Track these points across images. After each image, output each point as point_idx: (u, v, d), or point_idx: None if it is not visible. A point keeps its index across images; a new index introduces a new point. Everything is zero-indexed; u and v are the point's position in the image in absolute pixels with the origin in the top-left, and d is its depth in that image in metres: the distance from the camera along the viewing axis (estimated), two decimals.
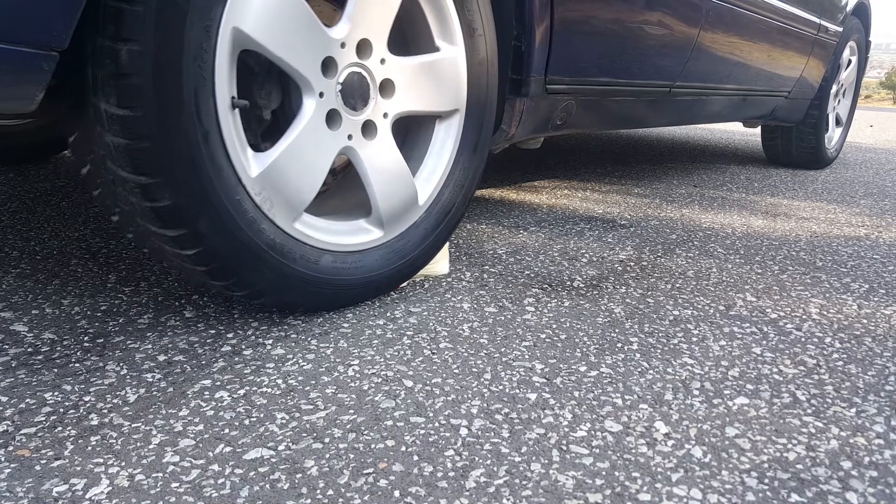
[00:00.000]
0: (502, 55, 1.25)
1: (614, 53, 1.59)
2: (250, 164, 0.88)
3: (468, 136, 1.18)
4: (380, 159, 1.04)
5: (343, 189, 1.15)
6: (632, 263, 1.41)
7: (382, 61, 1.01)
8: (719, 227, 1.82)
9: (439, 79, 1.11)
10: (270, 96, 0.98)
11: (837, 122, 3.34)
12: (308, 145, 0.94)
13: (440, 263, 1.27)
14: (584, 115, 1.64)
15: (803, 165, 3.19)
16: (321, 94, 0.94)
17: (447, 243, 1.26)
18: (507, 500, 0.63)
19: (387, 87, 1.04)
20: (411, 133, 1.18)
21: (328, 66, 0.94)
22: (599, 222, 1.78)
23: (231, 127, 0.85)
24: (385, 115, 1.04)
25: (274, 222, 0.92)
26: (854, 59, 3.31)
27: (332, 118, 0.97)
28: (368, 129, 1.02)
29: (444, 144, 1.16)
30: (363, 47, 0.98)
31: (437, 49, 1.11)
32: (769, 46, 2.35)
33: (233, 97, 0.85)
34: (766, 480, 0.69)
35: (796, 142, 3.10)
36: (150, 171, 0.79)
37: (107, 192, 0.85)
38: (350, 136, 0.99)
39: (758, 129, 4.61)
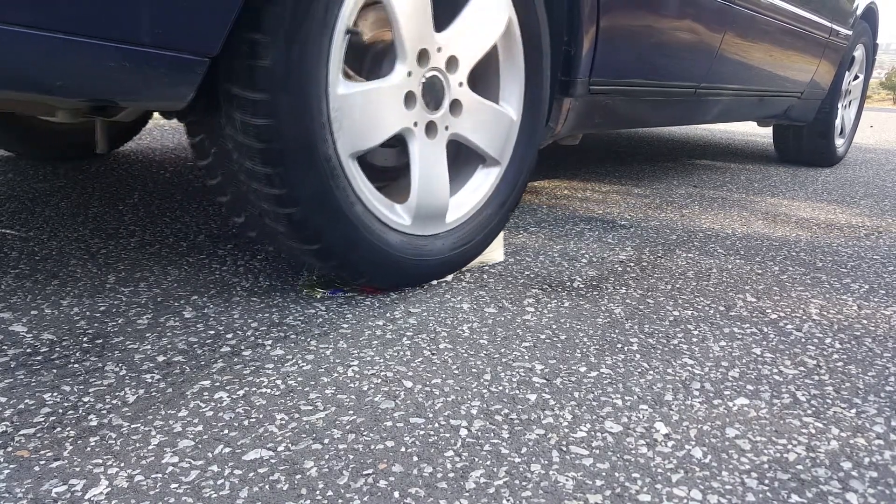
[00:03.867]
0: (551, 107, 1.41)
1: (649, 57, 1.69)
2: (339, 84, 0.98)
3: (501, 190, 1.29)
4: (429, 158, 1.13)
5: (394, 192, 1.20)
6: (632, 264, 1.41)
7: (460, 84, 1.15)
8: (719, 227, 1.82)
9: (495, 128, 1.24)
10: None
11: (844, 123, 3.38)
12: (384, 100, 1.04)
13: (496, 252, 1.36)
14: (619, 114, 1.75)
15: (813, 163, 3.26)
16: (409, 73, 1.05)
17: (503, 231, 1.36)
18: (507, 500, 0.63)
19: (455, 107, 1.16)
20: (453, 166, 1.25)
21: (422, 57, 1.07)
22: (599, 222, 1.78)
23: (338, 48, 0.96)
24: (446, 128, 1.15)
25: (335, 143, 0.99)
26: (862, 61, 3.39)
27: (409, 99, 1.07)
28: (430, 129, 1.13)
29: (479, 187, 1.26)
30: (451, 63, 1.12)
31: (499, 105, 1.25)
32: (785, 50, 2.44)
33: (348, 26, 0.96)
34: (767, 481, 0.69)
35: (807, 140, 3.19)
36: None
37: None
38: (416, 124, 1.09)
39: (760, 129, 4.62)
